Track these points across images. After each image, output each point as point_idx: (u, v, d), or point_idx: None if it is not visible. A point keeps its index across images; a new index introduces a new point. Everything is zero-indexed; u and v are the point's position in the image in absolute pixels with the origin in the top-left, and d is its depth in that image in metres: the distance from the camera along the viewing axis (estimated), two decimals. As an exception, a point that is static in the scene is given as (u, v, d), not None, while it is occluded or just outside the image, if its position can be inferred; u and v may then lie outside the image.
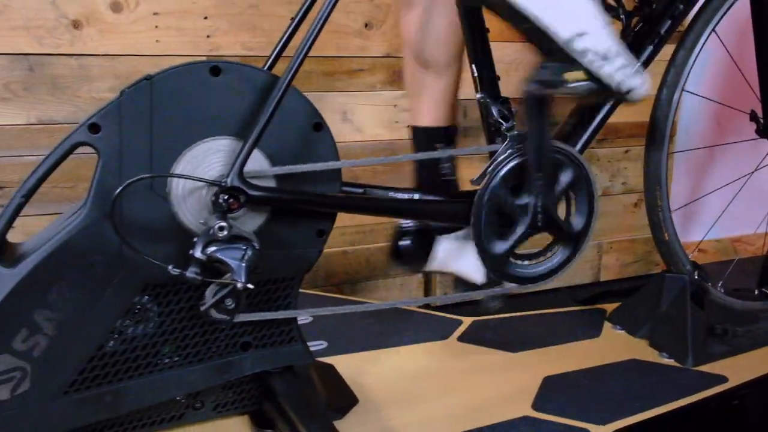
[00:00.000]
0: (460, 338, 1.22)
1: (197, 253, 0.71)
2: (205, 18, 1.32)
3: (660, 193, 1.12)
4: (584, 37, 0.78)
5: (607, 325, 1.29)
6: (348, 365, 1.06)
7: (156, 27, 1.29)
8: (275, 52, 0.89)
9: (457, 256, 0.97)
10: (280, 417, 0.85)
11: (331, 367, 1.05)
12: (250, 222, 0.80)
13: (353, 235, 1.63)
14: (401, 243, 1.01)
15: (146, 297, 0.79)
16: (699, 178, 1.97)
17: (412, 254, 1.01)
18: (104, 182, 0.74)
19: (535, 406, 0.99)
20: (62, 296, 0.75)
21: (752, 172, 1.37)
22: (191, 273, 0.73)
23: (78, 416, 0.79)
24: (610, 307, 1.34)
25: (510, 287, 0.94)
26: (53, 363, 0.76)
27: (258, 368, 0.87)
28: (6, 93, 1.30)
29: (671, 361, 1.14)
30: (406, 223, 1.01)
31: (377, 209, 0.89)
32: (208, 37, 1.33)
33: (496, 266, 0.92)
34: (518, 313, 1.34)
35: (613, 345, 1.20)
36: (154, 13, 1.28)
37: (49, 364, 0.76)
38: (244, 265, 0.71)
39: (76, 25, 1.26)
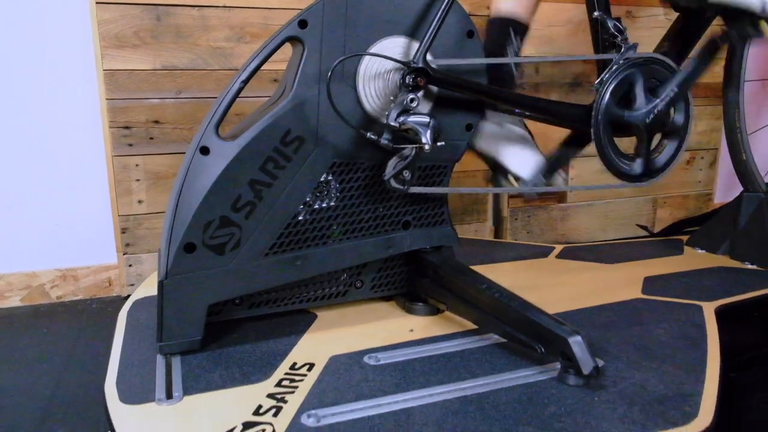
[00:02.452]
0: (558, 256, 1.35)
1: (391, 121, 0.86)
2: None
3: (738, 115, 1.26)
4: None
5: (687, 248, 1.42)
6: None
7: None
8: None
9: (506, 148, 1.10)
10: (434, 284, 0.98)
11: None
12: (421, 109, 0.94)
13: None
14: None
15: (330, 176, 0.94)
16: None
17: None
18: (308, 70, 0.89)
19: (644, 291, 1.12)
20: (271, 168, 0.89)
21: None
22: (384, 139, 0.87)
23: (276, 276, 0.92)
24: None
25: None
26: (260, 227, 0.90)
27: (416, 245, 1.01)
28: (136, 40, 1.46)
29: (755, 267, 1.27)
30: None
31: (522, 104, 1.02)
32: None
33: (614, 167, 1.06)
34: (602, 242, 1.47)
35: (698, 259, 1.33)
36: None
37: (256, 228, 0.90)
38: (429, 130, 0.85)
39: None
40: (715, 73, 2.21)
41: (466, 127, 1.00)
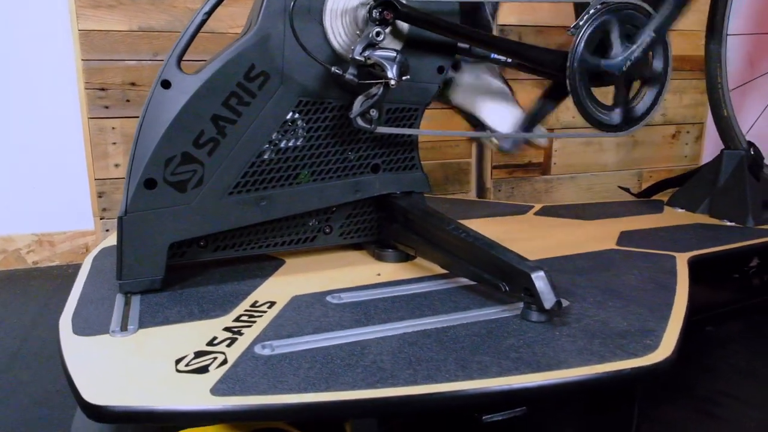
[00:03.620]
0: (536, 214, 1.34)
1: (356, 54, 0.84)
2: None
3: (720, 69, 1.25)
4: None
5: (668, 207, 1.40)
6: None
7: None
8: None
9: (484, 102, 1.08)
10: (403, 229, 0.97)
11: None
12: (389, 46, 0.92)
13: (418, 149, 1.75)
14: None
15: (297, 114, 0.91)
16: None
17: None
18: (273, 3, 0.86)
19: (619, 243, 1.10)
20: (234, 104, 0.87)
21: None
22: (350, 74, 0.85)
23: (240, 216, 0.90)
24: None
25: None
26: (223, 165, 0.88)
27: (385, 190, 0.99)
28: (112, 1, 1.43)
29: (733, 224, 1.26)
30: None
31: (496, 45, 0.99)
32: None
33: (593, 118, 1.04)
34: (582, 202, 1.45)
35: (677, 217, 1.32)
36: None
37: (219, 165, 0.88)
38: (396, 65, 0.83)
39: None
40: (700, 46, 2.20)
41: (437, 70, 0.98)
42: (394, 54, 0.84)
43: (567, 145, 1.96)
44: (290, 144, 0.92)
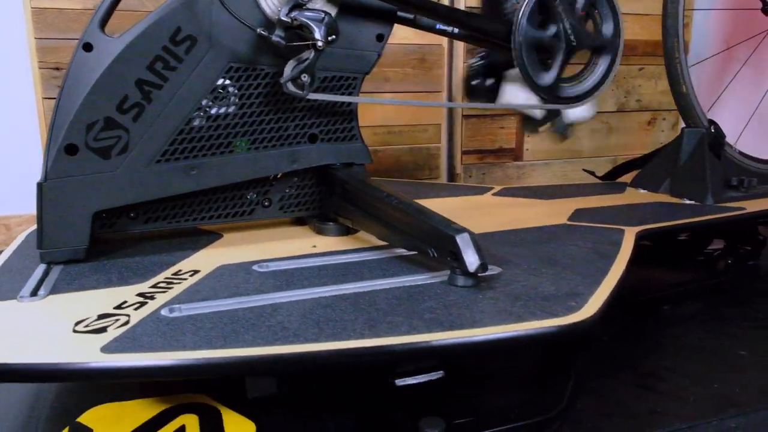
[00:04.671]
0: (495, 195, 1.31)
1: (282, 15, 0.81)
2: None
3: (678, 44, 1.22)
4: None
5: (630, 189, 1.38)
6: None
7: None
8: None
9: (519, 96, 1.07)
10: (341, 201, 0.94)
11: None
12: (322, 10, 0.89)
13: (384, 135, 1.73)
14: (473, 82, 1.11)
15: (228, 80, 0.89)
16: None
17: (482, 91, 1.11)
18: (198, -37, 0.84)
19: (571, 219, 1.08)
20: (160, 69, 0.84)
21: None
22: (276, 36, 0.82)
23: (169, 185, 0.88)
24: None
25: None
26: (149, 131, 0.85)
27: (324, 161, 0.97)
28: (66, -23, 1.40)
29: (692, 202, 1.23)
30: (475, 60, 1.11)
31: (436, 13, 0.97)
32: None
33: (551, 95, 1.02)
34: (545, 184, 1.43)
35: (637, 197, 1.29)
36: None
37: (145, 132, 0.85)
38: (323, 26, 0.81)
39: None
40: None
41: (376, 38, 0.96)
42: (321, 15, 0.82)
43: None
44: (222, 111, 0.90)
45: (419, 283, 0.75)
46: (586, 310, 0.66)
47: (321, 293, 0.72)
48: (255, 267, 0.82)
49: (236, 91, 0.90)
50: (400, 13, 0.96)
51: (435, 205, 1.17)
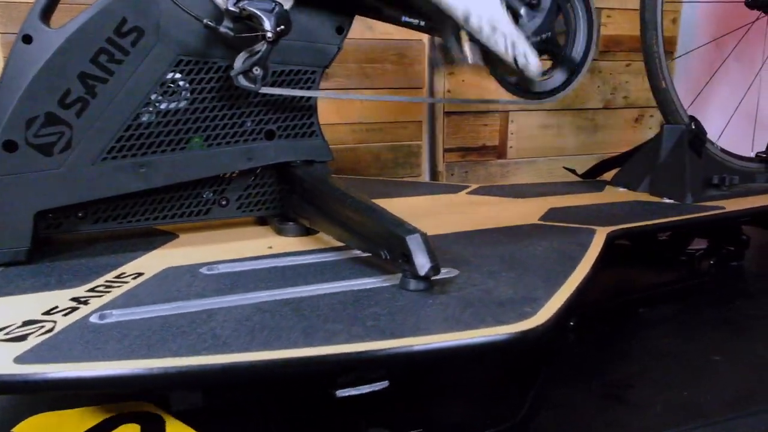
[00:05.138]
0: (470, 193, 1.28)
1: (230, 5, 0.77)
2: None
3: (656, 38, 1.18)
4: None
5: (609, 187, 1.34)
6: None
7: None
8: None
9: None
10: (299, 200, 0.90)
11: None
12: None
13: (363, 132, 1.69)
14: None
15: (179, 74, 0.85)
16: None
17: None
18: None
19: (542, 219, 1.04)
20: (104, 62, 0.80)
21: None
22: (224, 27, 0.78)
23: (116, 183, 0.84)
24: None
25: None
26: (94, 127, 0.81)
27: (281, 158, 0.93)
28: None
29: (672, 201, 1.19)
30: None
31: (403, 5, 0.93)
32: None
33: (509, 85, 0.99)
34: (525, 182, 1.39)
35: (616, 196, 1.25)
36: None
37: (90, 128, 0.81)
38: (273, 16, 0.77)
39: None
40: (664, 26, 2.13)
41: (336, 30, 0.92)
42: (271, 5, 0.78)
43: (524, 128, 1.90)
44: (172, 106, 0.86)
45: (370, 286, 0.72)
46: (540, 317, 0.62)
47: (264, 297, 0.68)
48: (203, 269, 0.78)
49: (187, 85, 0.86)
50: (364, 5, 0.92)
51: (407, 204, 1.14)
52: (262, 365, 0.53)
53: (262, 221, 1.01)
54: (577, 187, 1.32)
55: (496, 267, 0.78)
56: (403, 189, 1.27)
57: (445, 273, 0.75)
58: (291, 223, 0.94)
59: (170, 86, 0.85)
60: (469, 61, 0.88)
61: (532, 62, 0.90)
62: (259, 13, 0.77)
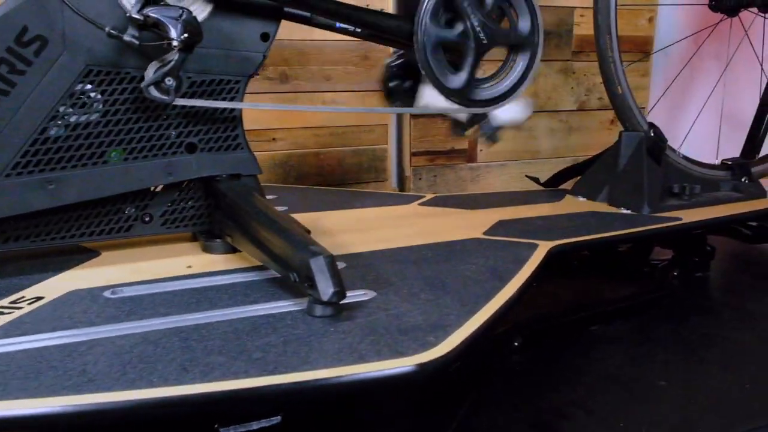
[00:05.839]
0: (422, 204, 1.23)
1: (134, 12, 0.73)
2: None
3: (611, 42, 1.13)
4: None
5: (569, 197, 1.29)
6: (304, 218, 1.06)
7: None
8: None
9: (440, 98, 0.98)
10: (223, 216, 0.86)
11: (286, 210, 1.06)
12: (195, 12, 0.81)
13: (327, 137, 1.64)
14: (390, 84, 1.03)
15: (89, 85, 0.81)
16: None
17: (401, 92, 1.03)
18: (45, -44, 0.76)
19: (486, 233, 0.99)
20: (5, 73, 0.76)
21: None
22: (129, 36, 0.74)
23: (22, 201, 0.79)
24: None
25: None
26: (-4, 141, 0.77)
27: (204, 172, 0.88)
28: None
29: (629, 212, 1.14)
30: (392, 59, 1.03)
31: (330, 13, 0.89)
32: None
33: (464, 99, 0.94)
34: (483, 192, 1.35)
35: (573, 205, 1.21)
36: None
37: (-9, 142, 0.77)
38: (180, 24, 0.72)
39: None
40: (639, 26, 2.08)
41: (261, 37, 0.87)
42: (178, 12, 0.73)
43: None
44: (83, 119, 0.81)
45: (277, 311, 0.67)
46: (443, 348, 0.57)
47: (157, 325, 0.64)
48: (107, 293, 0.74)
49: (99, 96, 0.82)
50: (292, 11, 0.88)
51: (354, 216, 1.10)
52: (122, 407, 0.49)
53: (193, 236, 0.97)
54: (536, 197, 1.27)
55: (417, 288, 0.73)
56: (354, 200, 1.22)
57: (359, 295, 0.70)
58: (218, 240, 0.90)
59: (80, 98, 0.81)
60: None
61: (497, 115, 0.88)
62: (164, 20, 0.72)
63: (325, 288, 0.63)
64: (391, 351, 0.57)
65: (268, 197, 1.13)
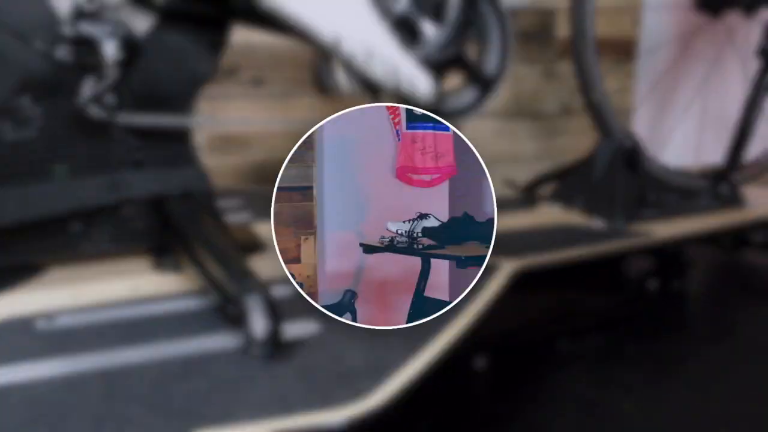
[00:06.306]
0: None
1: (66, 28, 0.69)
2: None
3: (586, 47, 1.09)
4: None
5: (543, 204, 1.25)
6: (267, 226, 1.02)
7: None
8: None
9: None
10: (173, 237, 0.82)
11: (246, 225, 1.02)
12: (136, 25, 0.77)
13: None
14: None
15: (27, 98, 0.77)
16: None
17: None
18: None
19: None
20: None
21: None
22: (60, 53, 0.70)
23: (-46, 221, 0.76)
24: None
25: None
26: (-74, 160, 0.73)
27: (151, 189, 0.84)
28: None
29: (599, 223, 1.11)
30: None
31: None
32: None
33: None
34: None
35: (544, 216, 1.17)
36: None
37: None
38: (113, 39, 0.68)
39: None
40: (623, 28, 2.03)
41: (211, 47, 0.83)
42: (111, 26, 0.69)
43: (476, 134, 1.80)
44: (21, 136, 0.77)
45: (212, 348, 0.64)
46: (376, 397, 0.54)
47: (84, 366, 0.60)
48: (41, 321, 0.71)
49: (38, 111, 0.77)
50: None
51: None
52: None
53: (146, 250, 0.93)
54: (508, 206, 1.23)
55: (365, 319, 0.70)
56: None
57: (301, 329, 0.67)
58: (169, 258, 0.86)
59: (16, 114, 0.77)
60: (342, 91, 0.80)
61: (421, 88, 0.82)
62: (97, 35, 0.68)
63: (259, 328, 0.60)
64: (319, 402, 0.53)
65: (235, 202, 1.09)
